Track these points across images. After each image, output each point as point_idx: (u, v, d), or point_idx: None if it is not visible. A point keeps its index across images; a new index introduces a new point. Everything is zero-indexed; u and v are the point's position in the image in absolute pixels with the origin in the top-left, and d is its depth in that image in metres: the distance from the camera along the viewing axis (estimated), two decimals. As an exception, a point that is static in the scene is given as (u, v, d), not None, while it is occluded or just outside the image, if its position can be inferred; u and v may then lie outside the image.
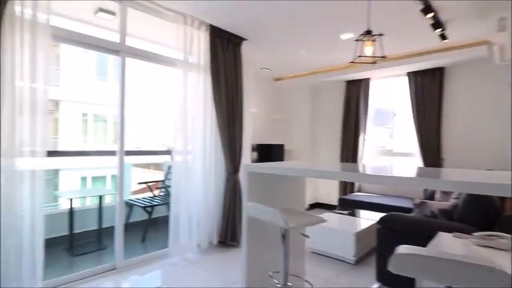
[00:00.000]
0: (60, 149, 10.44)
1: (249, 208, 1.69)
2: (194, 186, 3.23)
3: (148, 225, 3.77)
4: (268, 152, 5.07)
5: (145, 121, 11.07)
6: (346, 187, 5.13)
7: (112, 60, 12.78)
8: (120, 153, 2.78)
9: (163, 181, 4.38)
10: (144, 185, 4.21)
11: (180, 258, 3.10)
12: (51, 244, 3.20)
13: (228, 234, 3.41)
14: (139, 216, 4.01)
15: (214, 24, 3.30)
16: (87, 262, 3.03)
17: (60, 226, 3.41)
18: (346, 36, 3.57)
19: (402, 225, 2.30)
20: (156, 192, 4.24)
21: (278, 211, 1.47)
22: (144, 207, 3.68)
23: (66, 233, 3.41)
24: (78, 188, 9.92)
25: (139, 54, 2.93)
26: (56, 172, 10.00)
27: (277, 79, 5.66)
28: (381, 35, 2.39)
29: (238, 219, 3.46)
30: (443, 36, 3.34)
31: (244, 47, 3.69)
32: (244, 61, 3.69)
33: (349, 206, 4.44)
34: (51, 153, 2.30)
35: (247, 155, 3.79)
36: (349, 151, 5.12)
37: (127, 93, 2.83)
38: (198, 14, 3.10)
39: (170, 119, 3.12)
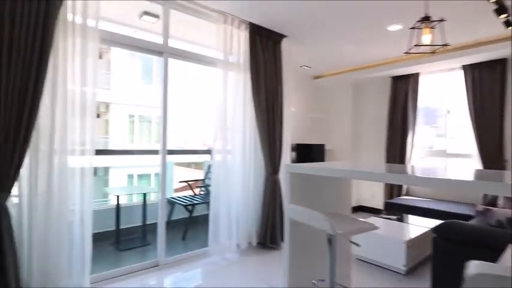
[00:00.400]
0: (110, 148, 11.19)
1: (291, 211, 1.59)
2: (233, 186, 3.21)
3: (189, 224, 3.83)
4: (308, 152, 4.92)
5: (187, 121, 11.45)
6: (393, 190, 4.80)
7: (155, 64, 13.44)
8: (163, 152, 2.84)
9: (203, 180, 4.43)
10: (185, 183, 4.30)
11: (220, 257, 3.09)
12: (99, 238, 3.38)
13: (268, 236, 3.34)
14: (180, 214, 4.09)
15: (254, 22, 3.25)
16: (132, 257, 3.15)
17: (109, 221, 3.59)
18: (394, 27, 3.32)
19: (464, 236, 2.04)
20: (197, 191, 4.31)
21: (324, 216, 1.36)
22: (185, 206, 3.75)
23: (112, 228, 3.58)
24: (125, 185, 10.53)
25: (181, 54, 2.97)
26: (106, 170, 10.72)
27: (317, 77, 5.48)
28: (441, 20, 2.14)
29: (278, 221, 3.38)
30: (508, 23, 2.95)
31: (284, 45, 3.60)
32: (284, 59, 3.60)
33: (396, 210, 4.13)
34: (100, 152, 2.41)
35: (287, 155, 3.69)
36: (396, 152, 4.78)
37: (170, 93, 2.88)
38: (239, 13, 3.07)
39: (210, 119, 3.14)
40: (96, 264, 2.31)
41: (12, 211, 1.93)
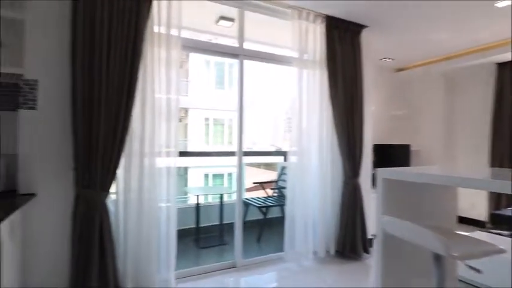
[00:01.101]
0: (188, 150, 12.08)
1: (386, 223, 1.38)
2: (310, 189, 3.05)
3: (263, 226, 3.80)
4: (389, 154, 4.45)
5: (256, 122, 11.68)
6: (500, 199, 4.02)
7: (227, 69, 14.05)
8: (239, 154, 2.84)
9: (276, 182, 4.37)
10: (256, 184, 4.30)
11: (296, 264, 2.96)
12: (180, 235, 3.58)
13: (347, 245, 3.09)
14: (254, 215, 4.10)
15: (331, 15, 3.05)
16: (210, 256, 3.25)
17: (187, 219, 3.79)
18: (504, 2, 2.74)
19: None
20: (270, 192, 4.27)
21: (434, 233, 1.13)
22: (259, 208, 3.73)
23: (191, 226, 3.76)
24: (201, 184, 11.23)
25: (256, 55, 2.95)
26: (185, 170, 11.59)
27: (400, 69, 4.94)
28: None
29: (359, 229, 3.10)
30: None
31: (363, 36, 3.29)
32: (363, 52, 3.29)
33: (506, 224, 3.42)
34: (182, 154, 2.53)
35: (367, 158, 3.38)
36: (504, 153, 3.99)
37: (245, 95, 2.88)
38: (314, 6, 2.91)
39: (280, 120, 3.05)
40: (178, 260, 2.43)
41: (110, 206, 2.14)
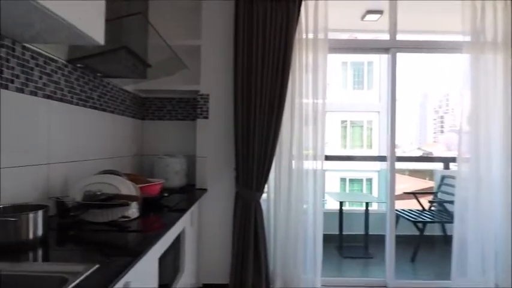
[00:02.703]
0: (325, 153, 12.02)
1: None
2: (488, 207, 2.40)
3: (419, 243, 3.26)
4: None
5: (398, 123, 10.40)
6: None
7: (366, 68, 13.20)
8: (391, 159, 2.54)
9: (435, 193, 3.71)
10: (407, 193, 3.75)
11: (468, 297, 2.38)
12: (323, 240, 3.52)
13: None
14: (404, 229, 3.59)
15: (522, -20, 2.33)
16: (353, 268, 3.05)
17: (327, 224, 3.66)
18: None
19: None
20: (424, 203, 3.64)
21: None
22: (414, 222, 3.23)
23: (331, 232, 3.62)
24: (338, 189, 10.89)
25: (415, 46, 2.58)
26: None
27: None
28: None
29: None
30: None
31: None
32: None
33: None
34: (328, 158, 2.48)
35: None
36: None
37: (397, 92, 2.57)
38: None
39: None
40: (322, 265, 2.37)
41: (262, 205, 2.30)
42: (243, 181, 2.22)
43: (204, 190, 2.28)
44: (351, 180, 11.83)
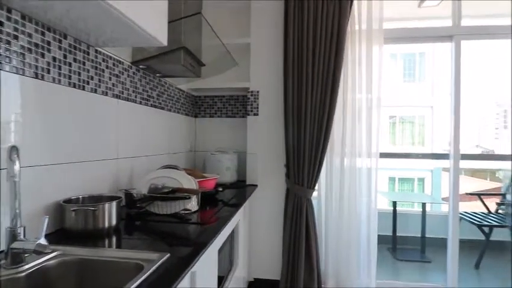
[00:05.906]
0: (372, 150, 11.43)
1: None
2: None
3: (485, 249, 2.97)
4: None
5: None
6: None
7: (418, 59, 12.30)
8: (455, 157, 2.34)
9: (503, 195, 3.34)
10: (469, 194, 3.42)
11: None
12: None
13: None
14: (465, 233, 3.29)
15: None
16: (409, 271, 2.87)
17: (379, 224, 3.49)
18: None
19: None
20: (490, 205, 3.30)
21: None
22: (479, 226, 2.95)
23: (384, 233, 3.43)
24: (386, 188, 10.32)
25: (482, 32, 2.33)
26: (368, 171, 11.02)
27: None
28: None
29: None
30: None
31: None
32: None
33: None
34: (384, 155, 2.35)
35: None
36: None
37: (462, 83, 2.35)
38: None
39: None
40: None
41: (313, 203, 2.26)
42: (294, 178, 2.19)
43: (255, 186, 2.30)
44: (401, 180, 11.14)
